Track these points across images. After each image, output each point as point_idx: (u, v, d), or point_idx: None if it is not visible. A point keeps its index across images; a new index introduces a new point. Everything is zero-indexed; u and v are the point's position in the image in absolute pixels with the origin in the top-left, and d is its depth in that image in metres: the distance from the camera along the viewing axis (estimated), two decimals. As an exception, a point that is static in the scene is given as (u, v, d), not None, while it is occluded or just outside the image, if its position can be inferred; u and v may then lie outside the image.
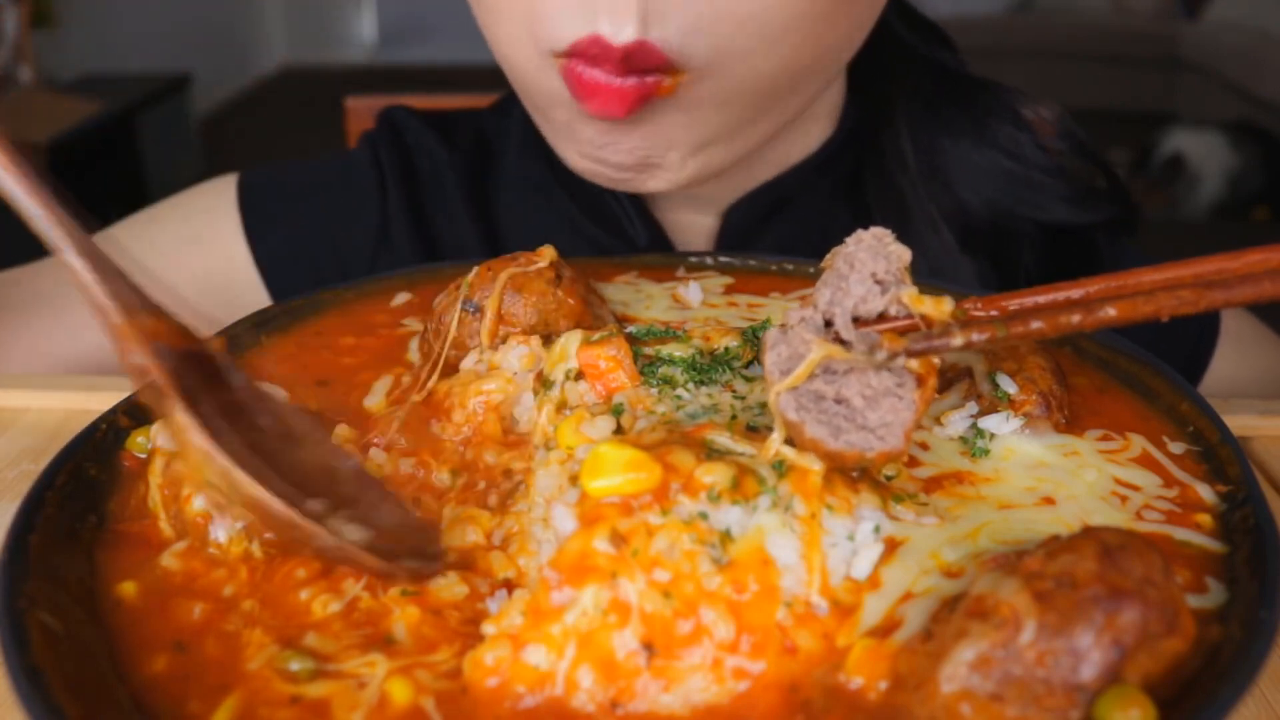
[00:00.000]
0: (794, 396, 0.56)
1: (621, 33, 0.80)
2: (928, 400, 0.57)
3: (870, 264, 0.58)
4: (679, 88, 0.84)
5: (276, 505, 0.55)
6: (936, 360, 0.57)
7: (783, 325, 0.59)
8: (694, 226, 1.07)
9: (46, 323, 1.06)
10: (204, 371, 0.60)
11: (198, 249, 1.09)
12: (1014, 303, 0.58)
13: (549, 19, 0.84)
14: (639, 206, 1.05)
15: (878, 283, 0.58)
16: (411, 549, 0.58)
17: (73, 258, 0.57)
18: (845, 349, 0.56)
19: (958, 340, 0.55)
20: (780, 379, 0.56)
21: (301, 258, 1.09)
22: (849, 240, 0.59)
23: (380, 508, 0.60)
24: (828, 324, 0.58)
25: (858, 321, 0.58)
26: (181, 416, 0.56)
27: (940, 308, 0.57)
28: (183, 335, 0.60)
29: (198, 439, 0.55)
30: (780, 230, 1.05)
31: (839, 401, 0.56)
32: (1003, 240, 1.06)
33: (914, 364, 0.56)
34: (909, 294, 0.57)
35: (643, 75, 0.82)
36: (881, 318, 0.58)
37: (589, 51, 0.82)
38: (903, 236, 0.59)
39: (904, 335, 0.56)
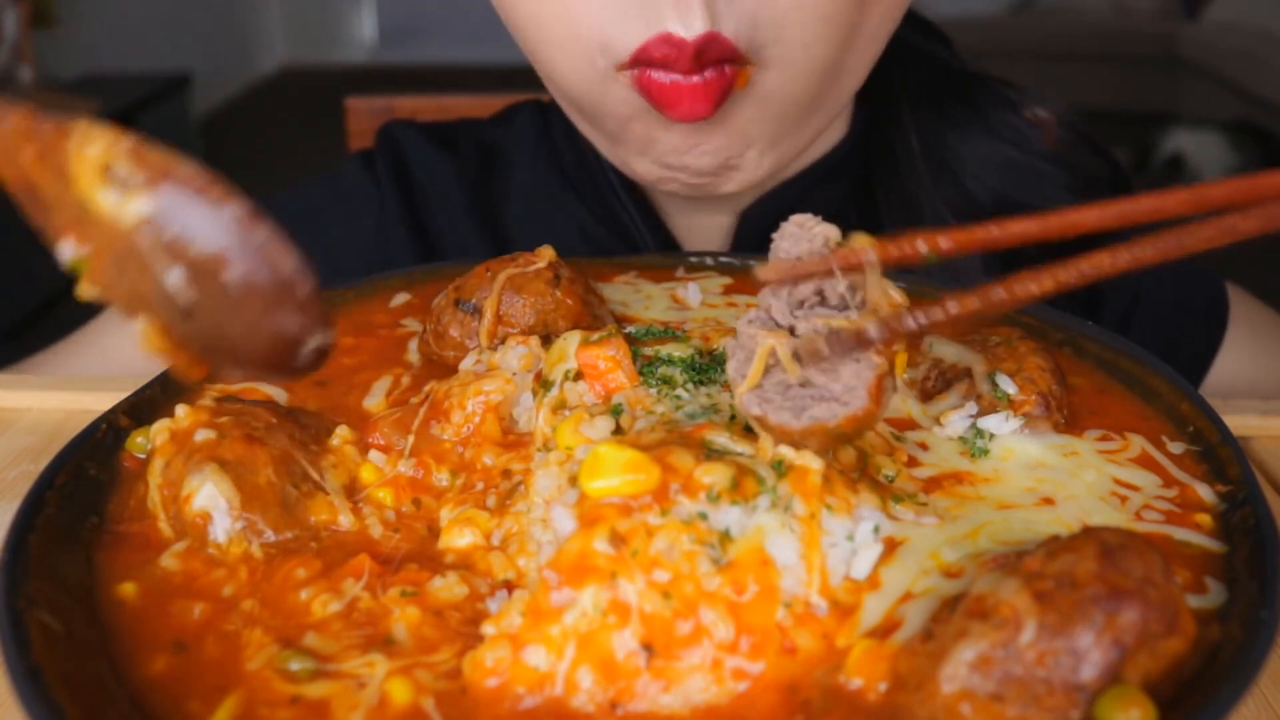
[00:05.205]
0: (756, 394, 0.56)
1: (692, 27, 0.79)
2: (892, 358, 0.55)
3: (794, 252, 0.57)
4: (751, 78, 0.83)
5: None
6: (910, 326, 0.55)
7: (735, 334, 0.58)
8: (707, 230, 1.07)
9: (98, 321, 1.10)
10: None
11: None
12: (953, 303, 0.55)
13: (611, 26, 0.82)
14: (648, 214, 1.05)
15: None
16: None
17: None
18: (791, 335, 0.56)
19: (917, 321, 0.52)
20: (743, 383, 0.57)
21: None
22: (774, 236, 0.59)
23: None
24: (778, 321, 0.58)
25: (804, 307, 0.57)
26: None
27: (860, 240, 0.55)
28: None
29: None
30: None
31: (804, 385, 0.56)
32: None
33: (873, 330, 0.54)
34: (830, 238, 0.56)
35: (718, 66, 0.81)
36: (820, 297, 0.57)
37: (658, 54, 0.80)
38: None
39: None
